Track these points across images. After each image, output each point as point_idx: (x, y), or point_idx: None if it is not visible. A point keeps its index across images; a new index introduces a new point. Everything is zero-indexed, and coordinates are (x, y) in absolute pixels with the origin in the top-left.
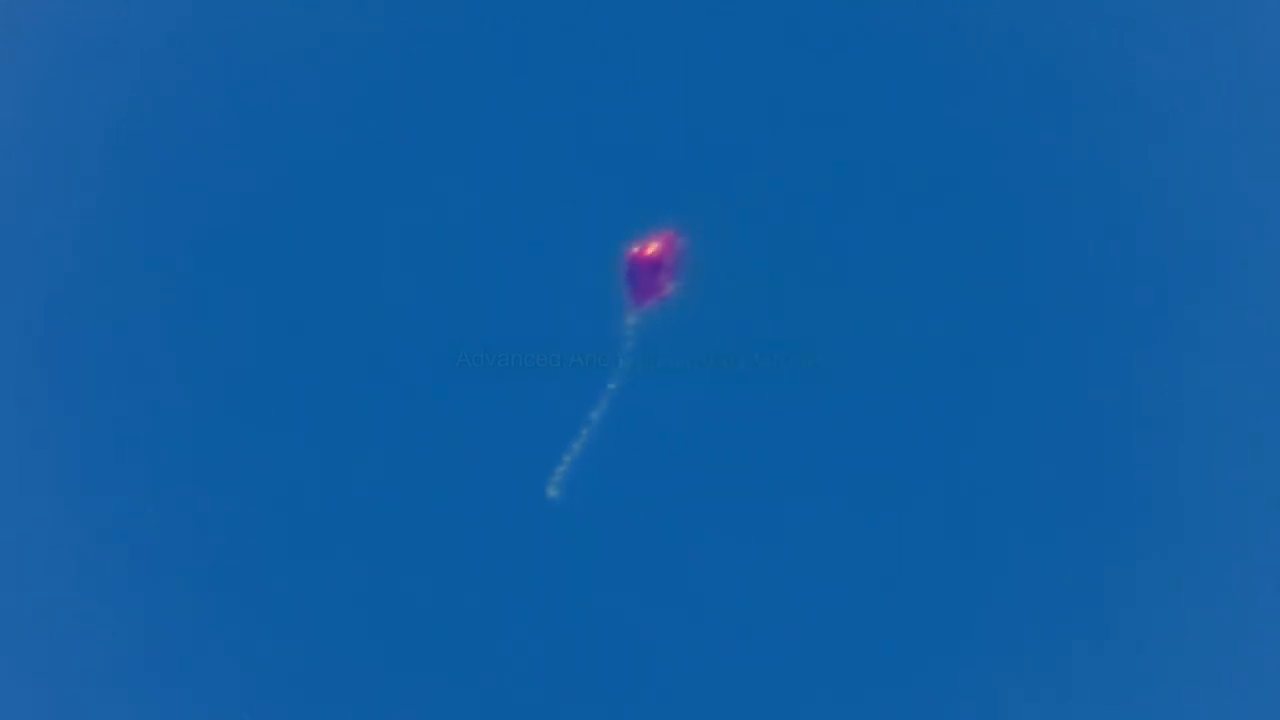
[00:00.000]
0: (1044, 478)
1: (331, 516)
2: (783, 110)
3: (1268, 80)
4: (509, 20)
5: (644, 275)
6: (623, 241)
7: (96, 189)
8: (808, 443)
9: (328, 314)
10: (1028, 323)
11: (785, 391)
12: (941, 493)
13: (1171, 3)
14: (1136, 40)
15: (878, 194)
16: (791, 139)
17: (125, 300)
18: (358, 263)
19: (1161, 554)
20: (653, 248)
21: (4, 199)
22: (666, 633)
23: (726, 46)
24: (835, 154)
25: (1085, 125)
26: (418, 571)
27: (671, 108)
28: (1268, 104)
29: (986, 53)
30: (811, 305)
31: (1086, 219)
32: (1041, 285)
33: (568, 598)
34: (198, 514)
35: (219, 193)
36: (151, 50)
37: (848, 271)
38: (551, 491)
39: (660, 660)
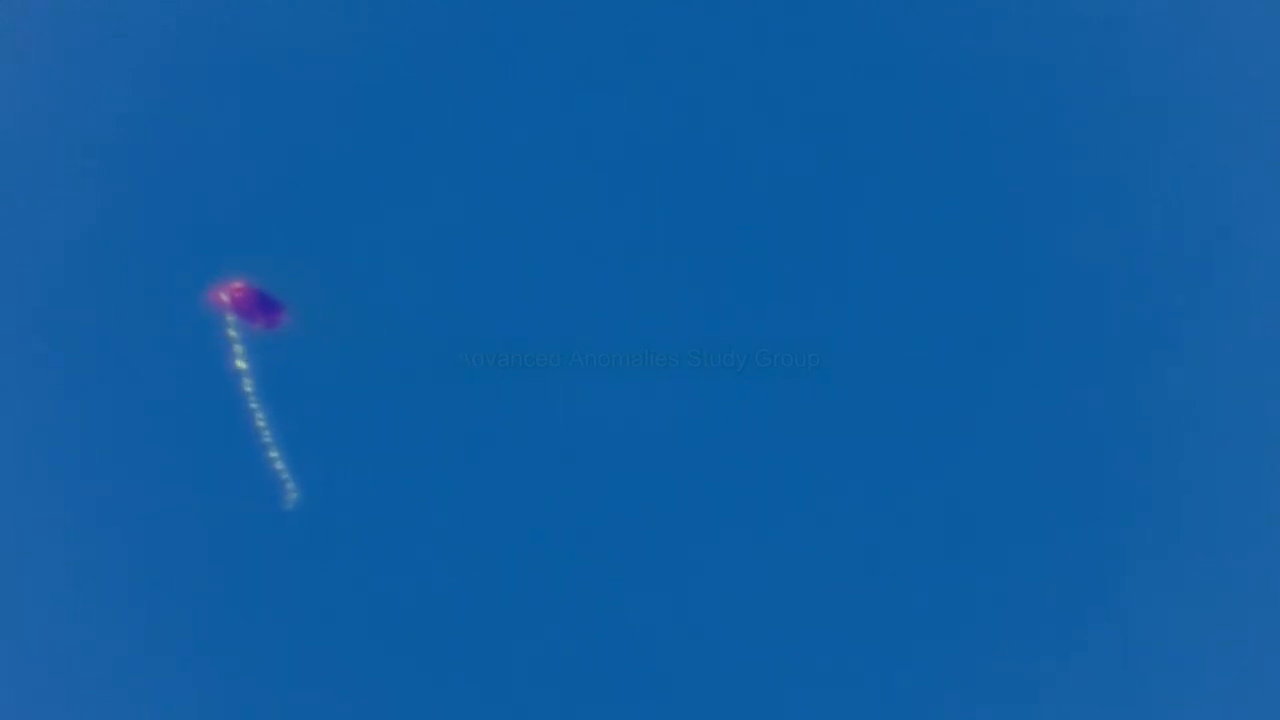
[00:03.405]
0: (1043, 478)
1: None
2: (782, 109)
3: (1267, 81)
4: (503, 22)
5: (249, 308)
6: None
7: (97, 188)
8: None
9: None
10: (1026, 324)
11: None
12: (915, 498)
13: (1171, 4)
14: (1136, 41)
15: (876, 194)
16: (791, 137)
17: (124, 300)
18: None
19: (1163, 555)
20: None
21: (4, 199)
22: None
23: (723, 47)
24: (837, 153)
25: (1085, 126)
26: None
27: (668, 106)
28: (1267, 104)
29: (986, 53)
30: (809, 304)
31: (1086, 220)
32: (1040, 286)
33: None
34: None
35: (218, 193)
36: (151, 51)
37: (845, 271)
38: (290, 498)
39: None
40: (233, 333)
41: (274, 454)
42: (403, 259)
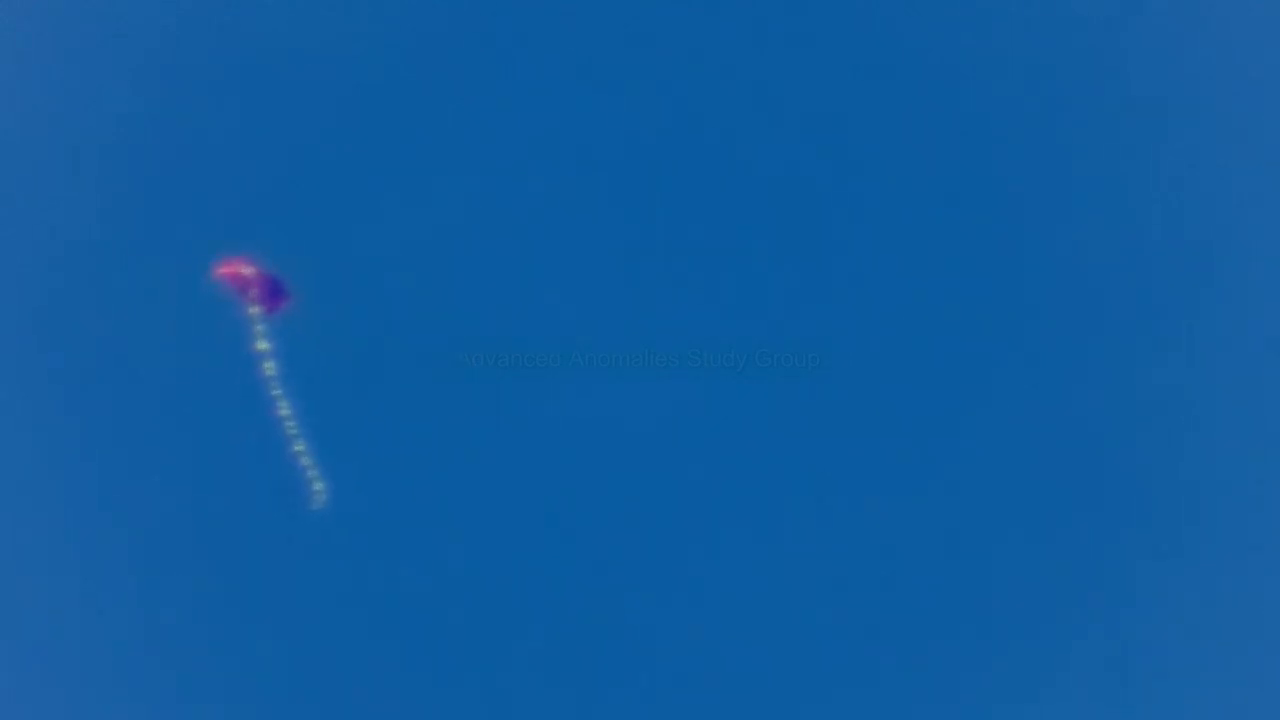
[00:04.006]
0: (1043, 477)
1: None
2: (783, 109)
3: (1267, 81)
4: (503, 24)
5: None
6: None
7: (98, 188)
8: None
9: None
10: (1025, 323)
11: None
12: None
13: (1171, 4)
14: (1136, 41)
15: (876, 194)
16: (791, 137)
17: (125, 299)
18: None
19: (1162, 553)
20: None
21: (4, 199)
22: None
23: (723, 47)
24: (837, 153)
25: (1085, 126)
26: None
27: (669, 107)
28: (1267, 104)
29: (986, 53)
30: (810, 304)
31: (1086, 220)
32: (1039, 285)
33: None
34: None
35: (217, 192)
36: (151, 51)
37: (845, 271)
38: (317, 500)
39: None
40: (254, 310)
41: (299, 446)
42: (402, 259)
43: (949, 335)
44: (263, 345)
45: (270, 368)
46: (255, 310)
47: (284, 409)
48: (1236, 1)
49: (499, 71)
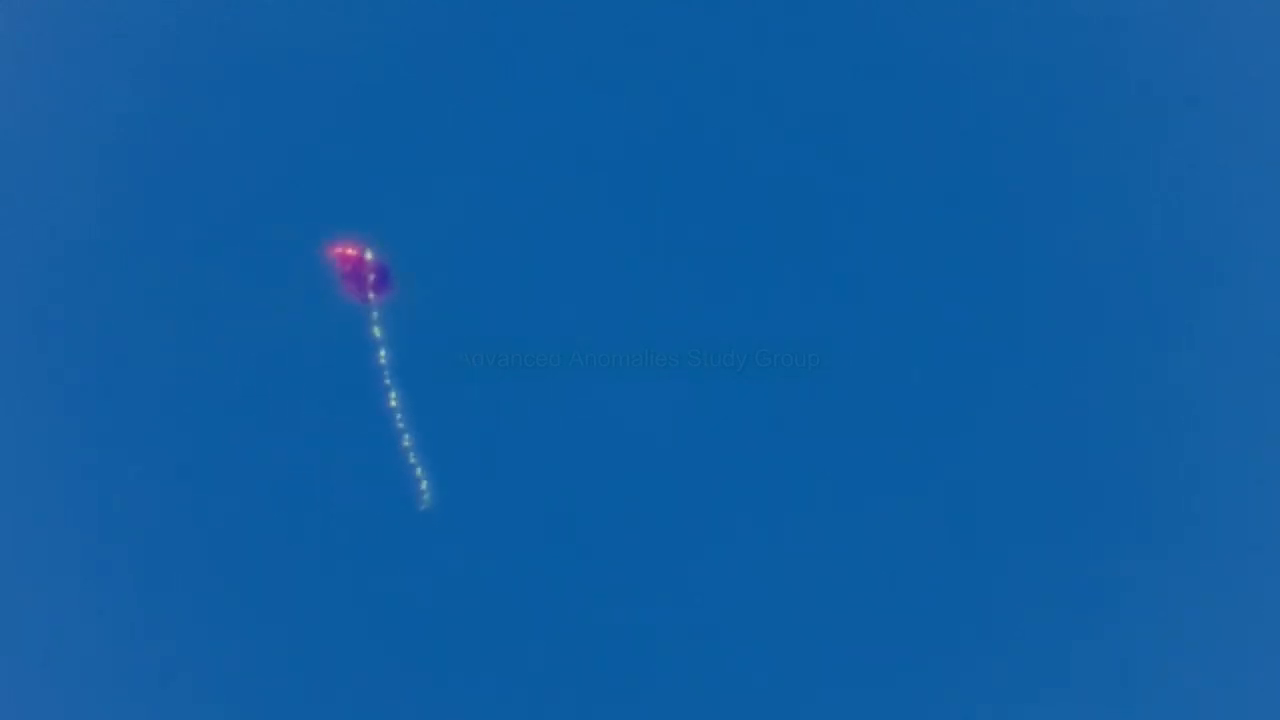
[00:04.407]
0: (1043, 477)
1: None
2: (783, 109)
3: (1267, 81)
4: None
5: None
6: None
7: (98, 188)
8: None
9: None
10: (1026, 323)
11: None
12: (926, 494)
13: (1171, 4)
14: (1136, 41)
15: (877, 194)
16: (791, 137)
17: (125, 300)
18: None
19: (1163, 554)
20: (352, 252)
21: (4, 199)
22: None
23: (723, 47)
24: (837, 153)
25: (1085, 126)
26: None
27: (667, 105)
28: (1268, 104)
29: (986, 53)
30: (810, 303)
31: (1086, 220)
32: (1040, 286)
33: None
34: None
35: (216, 192)
36: (151, 51)
37: (845, 271)
38: (424, 500)
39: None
40: (371, 297)
41: (406, 442)
42: (402, 259)
43: (949, 335)
44: (377, 332)
45: (384, 357)
46: (373, 297)
47: (394, 400)
48: (1236, 1)
49: (498, 71)
